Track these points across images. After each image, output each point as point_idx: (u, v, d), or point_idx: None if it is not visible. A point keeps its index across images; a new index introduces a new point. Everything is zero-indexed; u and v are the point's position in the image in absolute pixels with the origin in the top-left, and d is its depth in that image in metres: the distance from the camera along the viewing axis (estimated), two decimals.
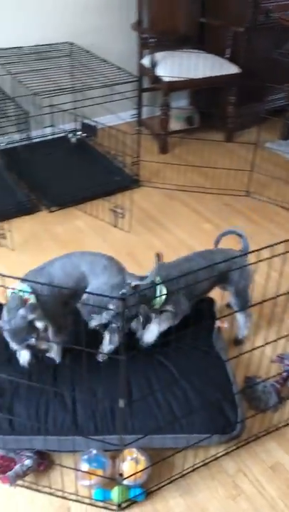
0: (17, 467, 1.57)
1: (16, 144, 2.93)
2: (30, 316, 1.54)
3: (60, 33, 3.40)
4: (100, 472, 1.55)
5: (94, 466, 1.56)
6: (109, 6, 3.53)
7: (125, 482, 1.54)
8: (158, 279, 1.76)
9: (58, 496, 1.57)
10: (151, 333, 1.80)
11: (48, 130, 3.34)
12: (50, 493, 1.57)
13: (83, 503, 1.56)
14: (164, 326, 1.79)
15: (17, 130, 2.80)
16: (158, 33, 3.53)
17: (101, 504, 1.55)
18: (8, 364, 1.78)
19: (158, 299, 1.74)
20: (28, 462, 1.58)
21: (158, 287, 1.72)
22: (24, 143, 2.80)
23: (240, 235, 2.04)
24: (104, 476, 1.55)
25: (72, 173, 3.18)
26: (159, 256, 1.92)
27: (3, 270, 2.46)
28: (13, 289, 1.63)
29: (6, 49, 3.18)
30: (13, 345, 1.60)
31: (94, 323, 1.76)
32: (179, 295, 1.78)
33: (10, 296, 1.61)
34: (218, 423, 1.66)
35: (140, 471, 1.55)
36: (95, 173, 3.19)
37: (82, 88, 2.93)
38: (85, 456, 1.59)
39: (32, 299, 1.61)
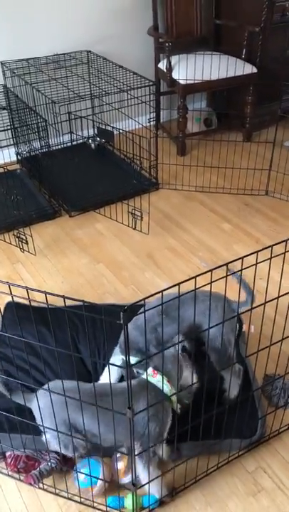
0: (41, 467, 1.61)
1: (37, 152, 3.01)
2: None
3: (77, 42, 3.47)
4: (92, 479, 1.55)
5: (88, 472, 1.56)
6: (125, 13, 3.59)
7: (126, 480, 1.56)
8: None
9: (76, 502, 1.59)
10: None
11: (68, 137, 3.41)
12: (69, 498, 1.59)
13: (99, 509, 1.56)
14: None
15: (37, 138, 2.87)
16: (174, 36, 3.57)
17: None
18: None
19: None
20: (52, 462, 1.62)
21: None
22: (44, 150, 2.87)
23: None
24: (94, 491, 1.55)
25: (91, 178, 3.24)
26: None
27: (25, 275, 2.53)
28: None
29: (23, 60, 3.27)
30: None
31: None
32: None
33: None
34: (239, 428, 1.66)
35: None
36: (114, 178, 3.24)
37: (99, 94, 2.99)
38: (79, 465, 1.60)
39: None
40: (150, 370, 1.55)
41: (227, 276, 1.25)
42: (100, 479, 1.56)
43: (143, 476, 1.52)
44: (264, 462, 1.68)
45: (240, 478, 1.64)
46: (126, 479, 1.58)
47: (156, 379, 1.53)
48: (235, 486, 1.62)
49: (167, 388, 1.54)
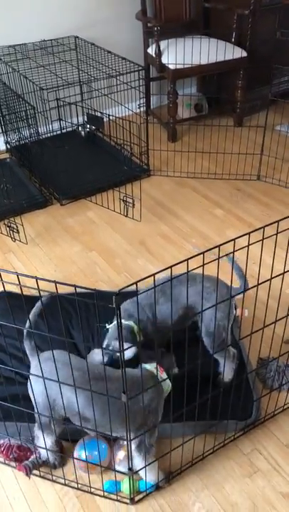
0: (33, 457, 1.60)
1: (27, 141, 2.97)
2: None
3: (65, 28, 3.42)
4: (97, 457, 1.56)
5: (90, 452, 1.57)
6: None
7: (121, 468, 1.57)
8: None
9: (73, 487, 1.59)
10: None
11: (57, 125, 3.37)
12: (66, 484, 1.60)
13: (96, 494, 1.57)
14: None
15: (26, 125, 2.83)
16: (162, 21, 3.53)
17: (114, 497, 1.56)
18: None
19: None
20: (44, 453, 1.61)
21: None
22: (34, 139, 2.84)
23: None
24: (101, 465, 1.57)
25: (82, 165, 3.21)
26: None
27: (17, 264, 2.51)
28: None
29: (11, 46, 3.21)
30: None
31: None
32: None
33: None
34: (234, 410, 1.67)
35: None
36: (105, 165, 3.22)
37: (87, 80, 2.95)
38: (81, 443, 1.60)
39: None
40: (149, 366, 1.53)
41: (219, 258, 1.24)
42: (100, 465, 1.57)
43: (140, 466, 1.52)
44: (260, 444, 1.69)
45: (236, 460, 1.65)
46: (121, 467, 1.58)
47: (162, 376, 1.53)
48: (232, 468, 1.63)
49: (167, 386, 1.54)
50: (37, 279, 1.11)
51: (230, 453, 1.67)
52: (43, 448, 1.57)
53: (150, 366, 1.53)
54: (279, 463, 1.63)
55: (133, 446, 1.47)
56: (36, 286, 1.12)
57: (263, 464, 1.63)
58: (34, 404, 1.49)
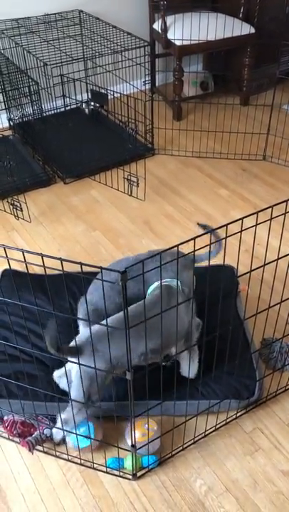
0: (36, 433, 1.62)
1: (30, 117, 2.93)
2: None
3: (69, 1, 3.34)
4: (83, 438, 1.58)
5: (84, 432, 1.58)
6: None
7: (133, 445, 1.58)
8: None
9: (76, 463, 1.61)
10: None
11: (61, 102, 3.33)
12: (69, 460, 1.61)
13: (99, 470, 1.59)
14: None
15: (29, 102, 2.79)
16: None
17: (117, 472, 1.58)
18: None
19: None
20: (47, 431, 1.63)
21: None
22: (37, 116, 2.80)
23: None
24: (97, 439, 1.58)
25: (86, 143, 3.18)
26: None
27: (20, 242, 2.50)
28: None
29: (14, 20, 3.15)
30: None
31: None
32: None
33: None
34: (237, 389, 1.69)
35: (152, 440, 1.57)
36: (110, 143, 3.18)
37: (92, 56, 2.90)
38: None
39: None
40: (157, 283, 1.66)
41: (226, 237, 1.23)
42: (96, 439, 1.59)
43: (190, 364, 1.66)
44: (261, 423, 1.70)
45: (238, 438, 1.67)
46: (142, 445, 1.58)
47: (170, 282, 1.64)
48: (233, 446, 1.65)
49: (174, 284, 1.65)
50: (42, 255, 1.10)
51: (233, 431, 1.69)
52: (73, 433, 1.57)
53: (157, 284, 1.66)
54: (280, 441, 1.65)
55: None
56: (42, 264, 1.11)
57: (265, 442, 1.65)
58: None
